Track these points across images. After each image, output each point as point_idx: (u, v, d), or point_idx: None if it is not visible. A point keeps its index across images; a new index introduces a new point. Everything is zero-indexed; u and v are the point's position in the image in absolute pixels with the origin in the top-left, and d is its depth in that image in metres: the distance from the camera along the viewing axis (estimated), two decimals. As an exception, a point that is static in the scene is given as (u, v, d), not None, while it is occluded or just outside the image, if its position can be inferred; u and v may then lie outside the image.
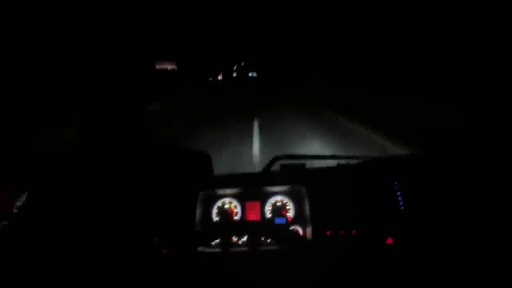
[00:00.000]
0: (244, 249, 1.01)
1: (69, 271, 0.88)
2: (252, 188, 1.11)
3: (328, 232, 0.95)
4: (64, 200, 1.07)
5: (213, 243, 1.03)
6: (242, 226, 0.82)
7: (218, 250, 1.00)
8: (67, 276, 0.84)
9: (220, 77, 46.49)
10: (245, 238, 1.04)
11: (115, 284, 0.82)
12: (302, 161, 1.23)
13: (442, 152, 1.20)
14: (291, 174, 1.17)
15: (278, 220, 1.07)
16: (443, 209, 0.96)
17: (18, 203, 1.17)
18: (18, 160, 1.42)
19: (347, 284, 0.89)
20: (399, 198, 0.99)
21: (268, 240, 1.03)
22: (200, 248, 0.99)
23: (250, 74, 48.83)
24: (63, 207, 1.05)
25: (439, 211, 0.96)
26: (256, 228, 0.93)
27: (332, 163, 1.25)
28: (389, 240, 0.92)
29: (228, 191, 1.10)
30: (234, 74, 52.09)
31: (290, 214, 1.08)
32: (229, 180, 1.14)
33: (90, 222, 0.96)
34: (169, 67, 25.99)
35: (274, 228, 0.97)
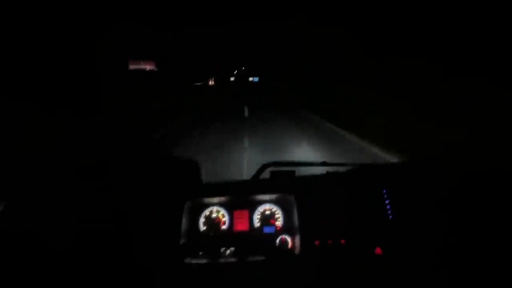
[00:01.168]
0: (232, 260, 0.98)
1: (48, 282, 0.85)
2: (240, 196, 1.09)
3: (317, 242, 0.94)
4: (42, 212, 1.03)
5: (200, 253, 1.01)
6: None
7: (205, 261, 0.98)
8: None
9: (211, 82, 41.26)
10: (233, 248, 1.02)
11: None
12: (292, 168, 1.22)
13: (432, 161, 1.21)
14: (281, 181, 1.15)
15: (267, 229, 1.05)
16: (432, 218, 0.96)
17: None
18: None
19: None
20: (388, 207, 0.98)
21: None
22: (187, 260, 0.96)
23: (251, 79, 43.62)
24: (41, 220, 1.01)
25: (428, 220, 0.95)
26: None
27: (322, 170, 1.25)
28: (378, 250, 0.91)
29: (216, 199, 1.08)
30: (232, 78, 46.00)
31: (279, 223, 1.07)
32: (217, 188, 1.12)
33: (69, 234, 0.92)
34: (147, 67, 21.61)
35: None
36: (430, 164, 1.15)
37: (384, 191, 1.01)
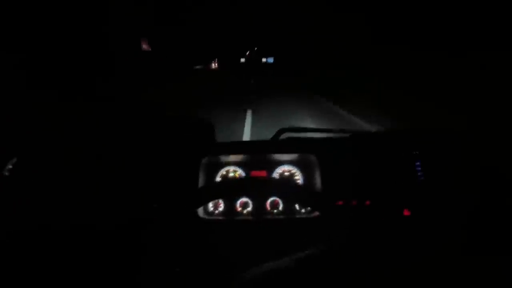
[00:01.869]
0: (249, 218, 0.95)
1: (63, 231, 0.83)
2: (258, 156, 1.04)
3: (340, 203, 0.89)
4: (54, 164, 1.00)
5: (216, 211, 0.97)
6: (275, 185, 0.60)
7: (221, 218, 0.94)
8: (59, 237, 0.79)
9: (214, 65, 36.37)
10: (249, 208, 0.98)
11: (112, 247, 0.77)
12: (310, 135, 1.15)
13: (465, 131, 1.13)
14: (299, 144, 1.09)
15: None
16: (464, 183, 0.89)
17: (9, 166, 1.10)
18: (6, 127, 1.35)
19: (356, 257, 0.83)
20: (418, 169, 0.92)
21: (275, 211, 0.96)
22: (202, 215, 0.93)
23: (264, 60, 38.61)
24: (53, 171, 0.98)
25: (459, 185, 0.89)
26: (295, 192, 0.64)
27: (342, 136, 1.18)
28: (406, 212, 0.85)
29: (233, 158, 1.03)
30: (242, 60, 41.45)
31: (299, 184, 1.02)
32: (234, 148, 1.06)
33: (83, 184, 0.90)
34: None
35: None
36: (462, 134, 1.07)
37: (415, 153, 0.94)
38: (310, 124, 5.75)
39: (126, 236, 0.82)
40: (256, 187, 0.59)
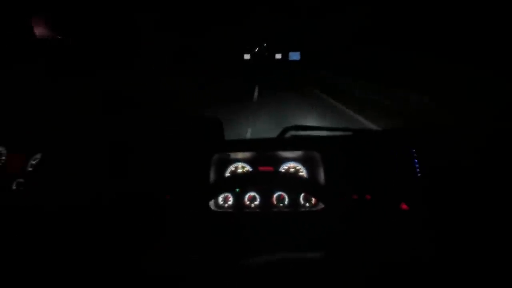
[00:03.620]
0: (256, 211, 1.01)
1: (83, 227, 0.90)
2: (264, 153, 1.11)
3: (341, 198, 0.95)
4: (76, 160, 1.08)
5: (225, 205, 1.04)
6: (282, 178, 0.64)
7: (230, 211, 1.01)
8: (81, 230, 0.86)
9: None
10: (257, 202, 1.04)
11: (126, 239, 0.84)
12: (314, 133, 1.21)
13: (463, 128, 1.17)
14: (304, 141, 1.15)
15: None
16: (462, 178, 0.94)
17: (33, 162, 1.18)
18: (30, 125, 1.43)
19: (359, 248, 0.89)
20: (416, 166, 0.97)
21: (282, 204, 1.03)
22: (213, 208, 1.00)
23: (278, 57, 30.61)
24: (75, 167, 1.06)
25: (457, 180, 0.94)
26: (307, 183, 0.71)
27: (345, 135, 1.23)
28: (404, 206, 0.91)
29: (241, 155, 1.10)
30: (247, 56, 33.39)
31: (304, 177, 1.08)
32: (241, 145, 1.13)
33: (103, 183, 0.97)
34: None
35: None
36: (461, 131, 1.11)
37: (413, 150, 0.99)
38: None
39: (141, 225, 0.89)
40: (265, 180, 0.64)
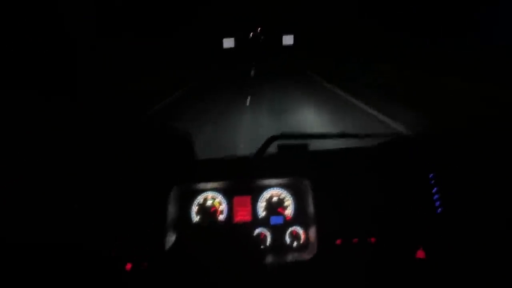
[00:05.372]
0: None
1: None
2: (241, 179, 0.88)
3: (338, 241, 0.73)
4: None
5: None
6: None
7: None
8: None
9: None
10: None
11: None
12: (304, 141, 0.97)
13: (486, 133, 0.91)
14: (291, 158, 0.92)
15: (274, 220, 0.85)
16: (492, 212, 0.71)
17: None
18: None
19: None
20: (435, 196, 0.74)
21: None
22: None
23: (284, 42, 21.71)
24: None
25: (487, 215, 0.71)
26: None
27: (341, 144, 0.99)
28: (420, 253, 0.69)
29: (211, 184, 0.87)
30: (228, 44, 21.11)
31: (289, 211, 0.86)
32: (212, 168, 0.90)
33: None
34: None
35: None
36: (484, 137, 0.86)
37: (431, 175, 0.75)
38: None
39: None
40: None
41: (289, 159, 0.92)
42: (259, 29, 37.18)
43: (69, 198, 0.79)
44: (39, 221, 0.75)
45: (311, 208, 0.80)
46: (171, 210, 0.82)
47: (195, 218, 0.86)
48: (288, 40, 21.67)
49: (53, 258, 0.71)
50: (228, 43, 20.45)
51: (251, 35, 36.03)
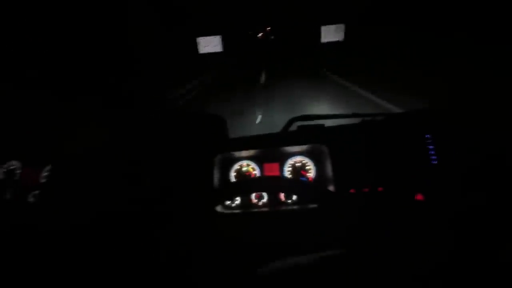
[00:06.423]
0: (265, 209, 0.99)
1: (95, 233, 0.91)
2: (269, 149, 1.07)
3: (352, 190, 0.91)
4: (87, 169, 1.09)
5: (232, 205, 1.03)
6: (266, 182, 0.65)
7: (238, 211, 1.00)
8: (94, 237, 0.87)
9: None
10: (265, 199, 1.02)
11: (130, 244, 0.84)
12: (320, 122, 1.16)
13: (476, 107, 1.07)
14: (310, 133, 1.11)
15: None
16: (480, 164, 0.87)
17: (45, 173, 1.21)
18: (39, 139, 1.46)
19: (372, 243, 0.86)
20: (432, 152, 0.90)
21: (290, 201, 1.00)
22: (219, 209, 0.99)
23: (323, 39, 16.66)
24: (87, 176, 1.07)
25: (475, 166, 0.87)
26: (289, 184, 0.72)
27: (354, 121, 1.17)
28: (419, 196, 0.86)
29: (245, 153, 1.07)
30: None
31: (311, 174, 1.04)
32: (245, 142, 1.10)
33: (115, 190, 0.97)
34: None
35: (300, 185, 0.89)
36: (475, 111, 1.02)
37: (427, 136, 0.92)
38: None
39: (143, 230, 0.90)
40: (267, 187, 0.63)
41: (309, 133, 1.11)
42: (268, 28, 34.68)
43: (143, 176, 1.01)
44: (121, 192, 0.98)
45: (329, 170, 0.98)
46: (216, 174, 1.02)
47: (234, 181, 1.06)
48: (330, 33, 13.57)
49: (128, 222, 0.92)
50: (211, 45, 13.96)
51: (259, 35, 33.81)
